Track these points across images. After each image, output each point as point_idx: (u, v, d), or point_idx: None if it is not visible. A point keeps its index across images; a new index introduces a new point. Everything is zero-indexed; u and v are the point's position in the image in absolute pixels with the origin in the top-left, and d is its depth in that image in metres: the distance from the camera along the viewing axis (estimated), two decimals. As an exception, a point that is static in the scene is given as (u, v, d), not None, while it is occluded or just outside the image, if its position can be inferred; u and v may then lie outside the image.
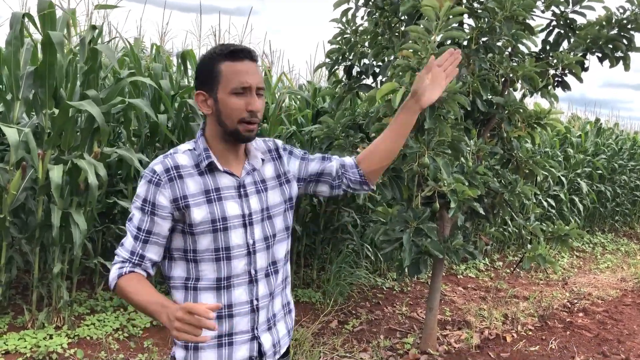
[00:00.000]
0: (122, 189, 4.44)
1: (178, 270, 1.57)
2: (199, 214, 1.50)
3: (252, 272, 1.58)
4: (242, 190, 1.58)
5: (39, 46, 3.78)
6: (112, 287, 1.53)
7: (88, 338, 3.67)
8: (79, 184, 3.77)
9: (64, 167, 3.62)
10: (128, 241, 1.53)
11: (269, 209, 1.62)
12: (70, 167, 3.70)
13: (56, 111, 3.65)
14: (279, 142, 1.75)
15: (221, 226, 1.52)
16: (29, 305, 3.79)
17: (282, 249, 1.67)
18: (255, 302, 1.59)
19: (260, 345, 1.61)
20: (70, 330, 3.70)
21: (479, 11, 3.60)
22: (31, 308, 3.76)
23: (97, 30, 3.88)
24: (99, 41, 3.96)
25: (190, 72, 5.04)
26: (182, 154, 1.55)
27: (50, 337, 3.58)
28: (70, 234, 3.67)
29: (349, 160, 1.78)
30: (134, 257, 1.52)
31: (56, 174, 3.51)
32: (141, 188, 1.52)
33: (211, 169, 1.54)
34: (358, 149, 3.76)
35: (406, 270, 3.50)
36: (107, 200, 4.23)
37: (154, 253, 1.54)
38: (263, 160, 1.65)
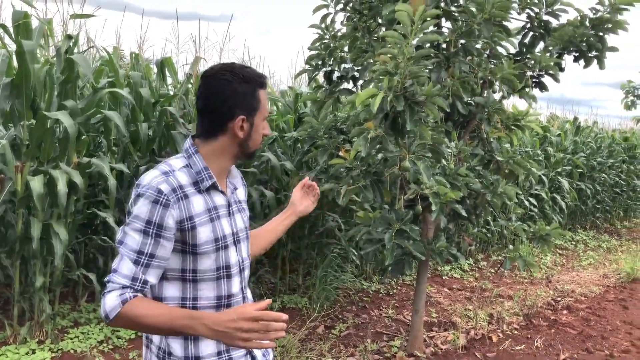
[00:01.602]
0: (104, 199, 4.40)
1: (171, 291, 1.51)
2: (204, 233, 1.49)
3: (244, 289, 1.63)
4: (230, 208, 1.61)
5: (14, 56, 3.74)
6: (110, 317, 1.38)
7: (72, 351, 3.62)
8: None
9: (44, 178, 3.58)
10: (126, 266, 1.41)
11: (247, 228, 1.69)
12: (49, 178, 3.66)
13: (34, 122, 3.61)
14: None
15: (222, 245, 1.54)
16: (10, 320, 3.73)
17: (247, 272, 1.72)
18: None
19: (253, 358, 1.64)
20: (54, 344, 3.65)
21: (457, 14, 3.63)
22: (13, 323, 3.70)
23: (72, 40, 3.85)
24: (75, 51, 3.92)
25: (169, 80, 5.01)
26: (180, 172, 1.50)
27: (33, 352, 3.53)
28: (51, 246, 3.63)
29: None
30: (137, 284, 1.42)
31: (37, 185, 3.47)
32: (143, 208, 1.42)
33: (208, 187, 1.54)
34: (340, 152, 3.77)
35: (389, 270, 3.51)
36: (88, 211, 4.18)
37: (154, 277, 1.46)
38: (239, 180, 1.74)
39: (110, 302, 1.39)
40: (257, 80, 1.54)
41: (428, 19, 2.95)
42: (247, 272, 1.67)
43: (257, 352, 1.65)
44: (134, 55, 4.97)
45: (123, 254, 1.43)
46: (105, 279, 1.44)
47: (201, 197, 1.51)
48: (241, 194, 1.72)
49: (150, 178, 1.45)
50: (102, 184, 4.46)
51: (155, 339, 1.56)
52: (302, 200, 2.03)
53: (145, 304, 1.41)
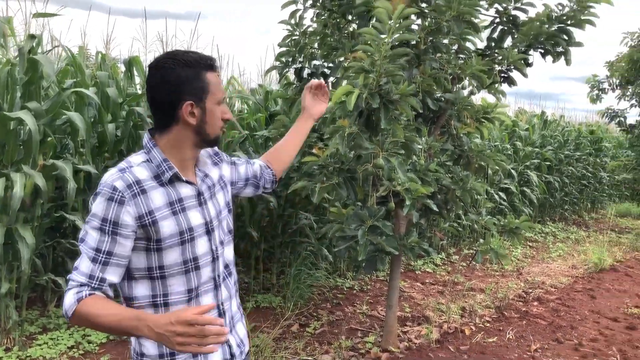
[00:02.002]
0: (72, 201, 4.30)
1: (141, 290, 1.50)
2: (167, 227, 1.46)
3: (216, 277, 1.59)
4: (201, 198, 1.57)
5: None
6: (69, 315, 1.38)
7: (41, 358, 3.54)
8: (24, 199, 3.63)
9: (6, 181, 3.49)
10: (84, 264, 1.41)
11: (221, 212, 1.65)
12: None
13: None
14: (215, 147, 1.77)
15: (188, 237, 1.51)
16: (-24, 327, 3.63)
17: (230, 252, 1.70)
18: (221, 307, 1.61)
19: (230, 347, 1.63)
20: (22, 352, 3.56)
21: (427, 11, 3.65)
22: (-22, 330, 3.60)
23: (36, 40, 3.75)
24: (39, 51, 3.82)
25: (137, 80, 4.93)
26: (139, 167, 1.48)
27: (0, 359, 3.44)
28: (17, 251, 3.54)
29: (261, 162, 1.96)
30: (94, 281, 1.41)
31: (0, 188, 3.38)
32: (99, 206, 1.41)
33: (171, 179, 1.50)
34: (313, 150, 3.76)
35: (362, 266, 3.53)
36: (56, 214, 4.09)
37: (114, 275, 1.44)
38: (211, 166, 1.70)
39: (68, 300, 1.39)
40: (201, 63, 1.48)
41: (404, 18, 2.95)
42: (223, 259, 1.63)
43: (234, 347, 1.64)
44: (100, 54, 4.87)
45: (82, 252, 1.43)
46: (67, 277, 1.45)
47: (163, 190, 1.48)
48: (215, 175, 1.68)
49: (107, 176, 1.45)
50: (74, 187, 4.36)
51: (132, 341, 1.56)
52: (313, 103, 2.06)
53: (99, 303, 1.38)
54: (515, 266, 6.88)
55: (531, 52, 4.09)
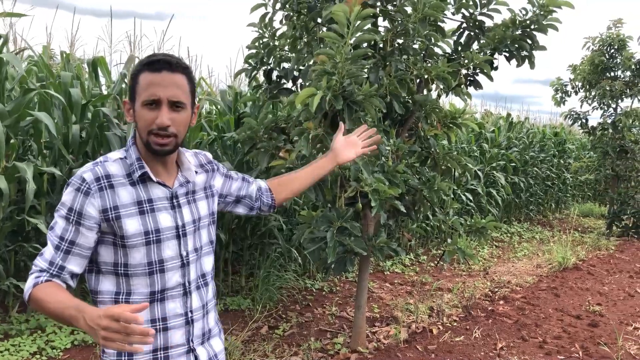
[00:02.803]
0: (35, 204, 4.21)
1: (106, 285, 1.50)
2: (131, 225, 1.46)
3: (186, 284, 1.56)
4: (174, 201, 1.55)
5: None
6: (26, 298, 1.42)
7: (3, 365, 3.46)
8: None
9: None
10: (48, 251, 1.45)
11: (200, 219, 1.62)
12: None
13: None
14: (209, 155, 1.76)
15: (154, 238, 1.49)
16: None
17: (208, 262, 1.66)
18: (190, 315, 1.57)
19: (196, 357, 1.59)
20: (-17, 358, 3.47)
21: (393, 13, 3.69)
22: (-63, 337, 3.49)
23: (1, 40, 3.66)
24: (4, 50, 3.73)
25: (102, 80, 4.86)
26: (113, 163, 1.50)
27: (-40, 367, 3.35)
28: (-23, 255, 3.45)
29: (263, 184, 1.89)
30: (53, 268, 1.44)
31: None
32: (67, 196, 1.44)
33: (143, 179, 1.50)
34: (280, 153, 3.76)
35: (331, 267, 3.54)
36: (18, 217, 4.00)
37: (75, 264, 1.45)
38: (197, 172, 1.65)
39: (27, 284, 1.43)
40: (142, 63, 1.48)
41: (361, 20, 2.98)
42: (198, 267, 1.60)
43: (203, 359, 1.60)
44: (64, 54, 4.79)
45: (48, 239, 1.47)
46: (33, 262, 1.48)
47: (132, 188, 1.48)
48: (200, 181, 1.66)
49: (81, 168, 1.49)
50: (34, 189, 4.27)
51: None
52: (343, 148, 1.97)
53: (50, 290, 1.39)
54: (482, 266, 6.99)
55: (496, 55, 4.17)
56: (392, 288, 5.82)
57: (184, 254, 1.55)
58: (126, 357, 1.50)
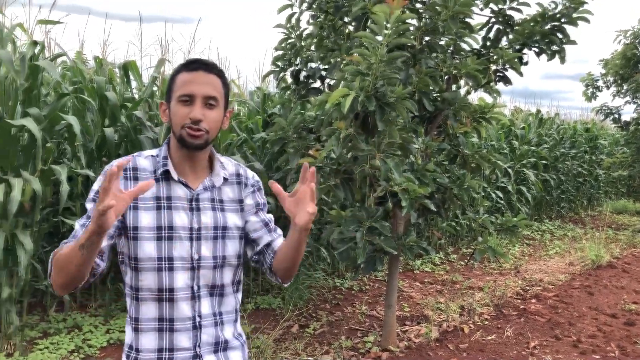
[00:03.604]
0: (70, 206, 4.32)
1: (127, 277, 1.56)
2: (145, 218, 1.50)
3: (195, 287, 1.55)
4: (194, 203, 1.56)
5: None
6: (48, 271, 1.43)
7: (42, 362, 3.56)
8: (23, 205, 3.65)
9: (6, 187, 3.50)
10: (75, 229, 1.51)
11: (226, 229, 1.59)
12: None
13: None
14: (257, 177, 1.70)
15: (166, 235, 1.51)
16: (-23, 333, 3.64)
17: (228, 274, 1.61)
18: (197, 319, 1.55)
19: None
20: (23, 356, 3.57)
21: (422, 11, 3.68)
22: (-21, 336, 3.61)
23: (39, 46, 3.76)
24: (41, 57, 3.83)
25: (133, 84, 4.94)
26: (145, 159, 1.57)
27: (2, 364, 3.46)
28: (17, 256, 3.55)
29: (276, 244, 1.66)
30: None
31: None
32: (97, 182, 1.53)
33: (167, 177, 1.54)
34: (310, 151, 3.78)
35: (361, 267, 3.55)
36: (54, 219, 4.10)
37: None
38: (225, 179, 1.62)
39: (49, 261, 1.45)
40: (180, 65, 1.55)
41: (401, 22, 2.98)
42: (213, 275, 1.56)
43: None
44: (97, 59, 4.89)
45: (76, 225, 1.51)
46: None
47: (155, 184, 1.52)
48: (229, 192, 1.62)
49: (116, 159, 1.53)
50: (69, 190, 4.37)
51: (126, 335, 1.57)
52: (295, 211, 1.50)
53: (66, 246, 1.40)
54: (513, 264, 6.91)
55: (526, 50, 4.12)
56: (422, 287, 5.80)
57: (195, 257, 1.54)
58: (167, 354, 1.53)
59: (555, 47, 4.07)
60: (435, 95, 3.81)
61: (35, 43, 3.74)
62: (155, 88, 4.69)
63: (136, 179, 1.52)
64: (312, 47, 4.15)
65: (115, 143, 4.40)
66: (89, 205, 1.52)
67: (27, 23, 4.02)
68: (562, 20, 4.00)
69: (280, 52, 4.23)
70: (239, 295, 1.69)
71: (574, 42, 4.10)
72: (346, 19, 3.94)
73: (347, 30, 3.97)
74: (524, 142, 9.51)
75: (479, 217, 4.05)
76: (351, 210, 3.53)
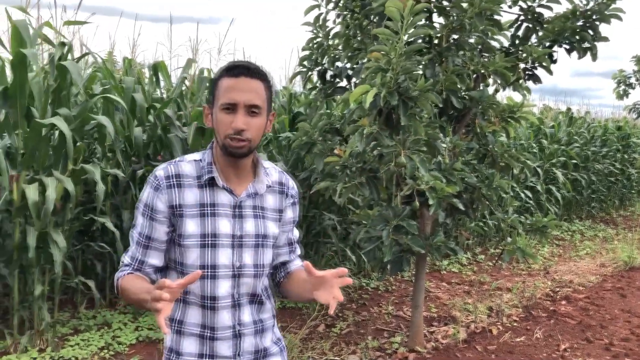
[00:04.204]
0: (101, 205, 4.38)
1: (172, 280, 1.56)
2: (190, 225, 1.50)
3: (236, 295, 1.55)
4: (237, 210, 1.55)
5: (7, 65, 3.73)
6: (116, 292, 1.56)
7: (73, 359, 3.61)
8: (55, 204, 3.71)
9: (39, 186, 3.57)
10: (131, 247, 1.56)
11: (266, 237, 1.59)
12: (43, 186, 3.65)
13: (29, 131, 3.60)
14: (293, 183, 1.71)
15: (210, 242, 1.51)
16: (10, 329, 3.72)
17: (264, 281, 1.63)
18: (238, 327, 1.56)
19: None
20: (55, 352, 3.64)
21: (449, 9, 3.65)
22: (13, 332, 3.69)
23: (66, 47, 3.83)
24: (69, 57, 3.91)
25: (162, 84, 5.00)
26: (187, 163, 1.55)
27: (35, 360, 3.53)
28: (48, 254, 3.62)
29: (293, 266, 1.70)
30: (134, 263, 1.55)
31: (32, 193, 3.46)
32: (143, 193, 1.54)
33: (211, 183, 1.53)
34: (335, 151, 3.77)
35: (388, 267, 3.52)
36: (85, 217, 4.17)
37: (154, 258, 1.55)
38: (269, 187, 1.61)
39: (115, 278, 1.56)
40: (223, 69, 1.52)
41: (415, 14, 2.96)
42: (253, 283, 1.57)
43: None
44: (126, 60, 4.96)
45: (130, 236, 1.58)
46: None
47: (198, 190, 1.52)
48: (271, 201, 1.62)
49: (158, 167, 1.56)
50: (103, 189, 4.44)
51: (167, 339, 1.59)
52: (320, 287, 1.47)
53: (130, 280, 1.50)
54: (542, 265, 6.80)
55: (556, 48, 4.05)
56: (449, 287, 5.74)
57: (237, 264, 1.53)
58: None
59: (586, 44, 3.99)
60: (463, 93, 3.77)
61: (63, 44, 3.81)
62: (184, 88, 4.73)
63: (180, 186, 1.51)
64: (339, 47, 4.14)
65: (144, 143, 4.46)
66: (139, 219, 1.55)
67: (54, 24, 4.10)
68: (594, 17, 3.92)
69: (307, 52, 4.23)
70: (272, 300, 1.70)
71: (606, 39, 4.01)
72: (372, 18, 3.92)
73: (373, 30, 3.95)
74: (554, 141, 9.34)
75: (508, 217, 3.99)
76: (378, 209, 3.51)
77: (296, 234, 1.75)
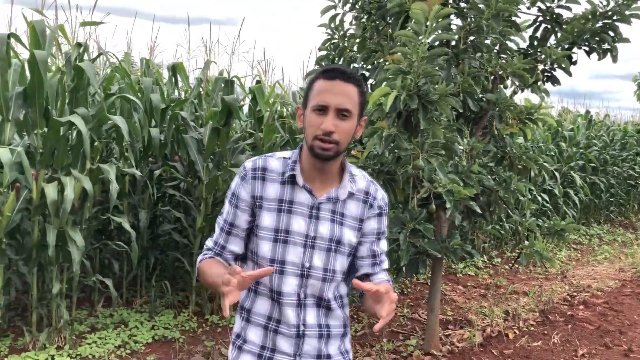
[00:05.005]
0: (117, 204, 4.42)
1: (248, 269, 1.62)
2: (267, 218, 1.56)
3: (302, 295, 1.57)
4: (314, 211, 1.56)
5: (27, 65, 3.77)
6: (196, 273, 1.63)
7: (90, 357, 3.65)
8: (73, 203, 3.75)
9: (58, 185, 3.61)
10: (215, 232, 1.65)
11: (340, 243, 1.59)
12: (62, 185, 3.68)
13: (47, 130, 3.64)
14: (382, 194, 1.67)
15: (282, 237, 1.55)
16: (29, 326, 3.76)
17: (334, 288, 1.61)
18: (302, 327, 1.57)
19: None
20: (72, 350, 3.68)
21: (466, 10, 3.62)
22: (31, 329, 3.73)
23: (82, 48, 3.87)
24: (85, 58, 3.95)
25: (180, 84, 5.03)
26: (276, 160, 1.60)
27: (52, 357, 3.56)
28: (67, 252, 3.66)
29: (374, 279, 1.65)
30: (216, 247, 1.63)
31: (51, 192, 3.50)
32: (233, 182, 1.62)
33: (292, 181, 1.56)
34: (352, 152, 3.76)
35: (403, 269, 3.51)
36: (102, 216, 4.21)
37: (235, 245, 1.62)
38: (352, 194, 1.60)
39: (198, 260, 1.66)
40: (319, 72, 1.54)
41: (440, 19, 2.94)
42: (321, 287, 1.57)
43: None
44: (144, 60, 5.00)
45: (217, 222, 1.66)
46: None
47: (279, 186, 1.57)
48: (352, 208, 1.60)
49: (249, 159, 1.64)
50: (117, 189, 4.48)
51: (236, 322, 1.67)
52: (375, 304, 1.48)
53: (209, 264, 1.59)
54: (560, 269, 6.72)
55: (575, 49, 4.01)
56: (465, 291, 5.70)
57: (306, 264, 1.55)
58: (268, 353, 1.59)
59: (606, 46, 3.94)
60: (480, 95, 3.74)
61: (79, 45, 3.85)
62: (201, 89, 4.76)
63: (264, 179, 1.57)
64: (355, 48, 4.13)
65: (162, 143, 4.49)
66: (226, 206, 1.63)
67: (70, 25, 4.15)
68: (614, 18, 3.87)
69: (323, 52, 4.23)
70: (347, 310, 1.69)
71: (627, 40, 3.96)
72: (388, 19, 3.91)
73: (389, 31, 3.94)
74: (572, 144, 9.24)
75: (525, 220, 3.95)
76: (394, 211, 3.50)
77: (382, 246, 1.69)
